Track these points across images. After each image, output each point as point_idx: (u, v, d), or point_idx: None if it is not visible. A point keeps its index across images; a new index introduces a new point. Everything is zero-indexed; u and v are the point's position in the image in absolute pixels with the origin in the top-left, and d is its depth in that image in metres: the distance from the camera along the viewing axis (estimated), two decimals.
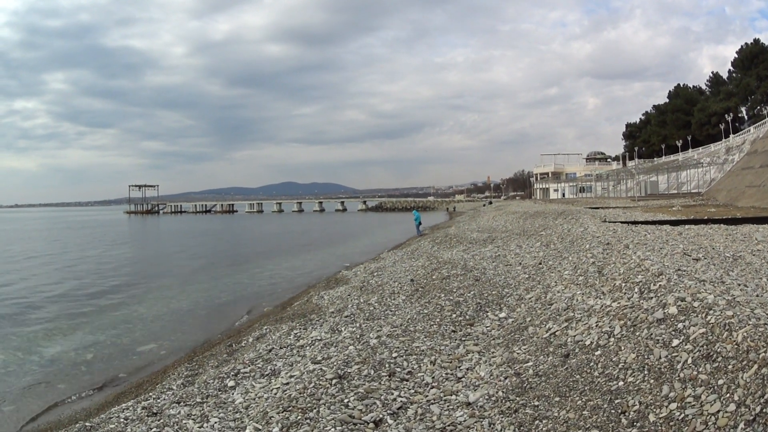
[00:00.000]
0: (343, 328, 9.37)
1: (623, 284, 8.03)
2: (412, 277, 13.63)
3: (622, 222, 21.00)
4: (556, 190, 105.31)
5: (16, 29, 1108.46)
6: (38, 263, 34.12)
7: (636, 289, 7.44)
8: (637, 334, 6.02)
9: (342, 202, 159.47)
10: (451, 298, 10.21)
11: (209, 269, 29.20)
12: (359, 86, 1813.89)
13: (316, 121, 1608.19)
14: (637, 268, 8.84)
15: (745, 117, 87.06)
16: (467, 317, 9.05)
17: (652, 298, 6.99)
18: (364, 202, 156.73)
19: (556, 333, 7.13)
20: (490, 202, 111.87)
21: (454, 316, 9.09)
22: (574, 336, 6.74)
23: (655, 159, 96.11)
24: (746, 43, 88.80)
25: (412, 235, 39.34)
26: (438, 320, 8.88)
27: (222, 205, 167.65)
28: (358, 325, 9.42)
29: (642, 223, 20.95)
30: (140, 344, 14.37)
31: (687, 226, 19.47)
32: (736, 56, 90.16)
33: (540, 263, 13.19)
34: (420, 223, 38.82)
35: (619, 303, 7.14)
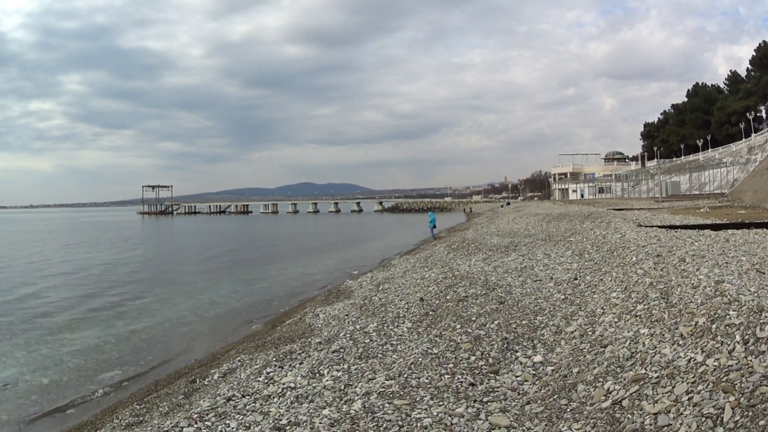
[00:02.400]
0: (326, 371, 7.15)
1: (710, 324, 5.71)
2: (422, 296, 11.32)
3: (659, 226, 18.64)
4: (574, 191, 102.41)
5: (31, 31, 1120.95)
6: (27, 266, 32.35)
7: (737, 337, 5.13)
8: (762, 424, 3.73)
9: (358, 203, 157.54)
10: (469, 330, 7.88)
11: (207, 275, 27.15)
12: (377, 87, 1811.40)
13: (333, 122, 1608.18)
14: (720, 296, 6.53)
15: (764, 116, 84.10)
16: (490, 360, 6.77)
17: (765, 353, 4.70)
18: (380, 203, 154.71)
19: (623, 403, 4.82)
20: (508, 203, 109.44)
21: (472, 359, 6.80)
22: (655, 414, 4.43)
23: (674, 159, 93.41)
24: (764, 41, 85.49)
25: (427, 238, 37.21)
26: (451, 365, 6.60)
27: (236, 205, 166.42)
28: (346, 366, 7.19)
29: (681, 227, 18.59)
30: (104, 369, 12.44)
31: (730, 231, 17.14)
32: (754, 54, 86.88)
33: (575, 278, 10.88)
34: (434, 226, 36.52)
35: (716, 361, 4.81)
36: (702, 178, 66.68)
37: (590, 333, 7.05)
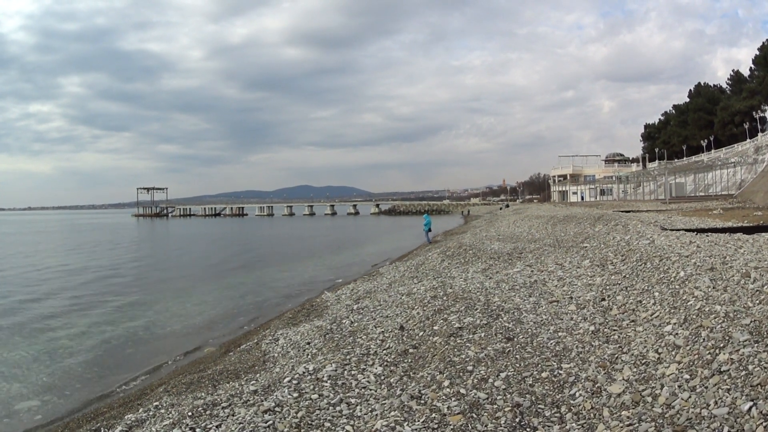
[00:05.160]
0: None
1: None
2: (402, 322, 8.74)
3: (685, 230, 16.20)
4: (575, 193, 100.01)
5: (31, 33, 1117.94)
6: None
7: None
8: None
9: (354, 206, 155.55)
10: (462, 390, 5.23)
11: (177, 283, 24.59)
12: (376, 89, 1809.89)
13: (333, 125, 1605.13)
14: None
15: (767, 117, 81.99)
16: None
17: None
18: (377, 205, 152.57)
19: None
20: (507, 205, 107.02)
21: None
22: None
23: (675, 160, 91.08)
24: None
25: (422, 242, 34.77)
26: None
27: (232, 208, 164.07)
28: None
29: (709, 231, 16.15)
30: (25, 398, 10.31)
31: (766, 235, 14.71)
32: (758, 53, 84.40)
33: (603, 299, 8.35)
34: (430, 230, 34.05)
35: None
36: (707, 179, 64.48)
37: (649, 399, 4.51)
